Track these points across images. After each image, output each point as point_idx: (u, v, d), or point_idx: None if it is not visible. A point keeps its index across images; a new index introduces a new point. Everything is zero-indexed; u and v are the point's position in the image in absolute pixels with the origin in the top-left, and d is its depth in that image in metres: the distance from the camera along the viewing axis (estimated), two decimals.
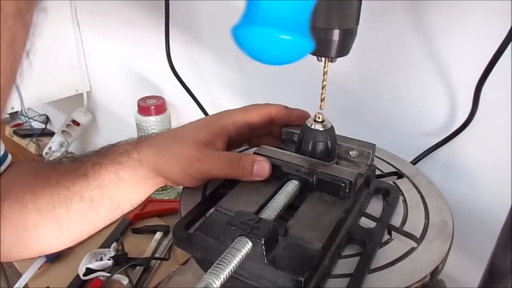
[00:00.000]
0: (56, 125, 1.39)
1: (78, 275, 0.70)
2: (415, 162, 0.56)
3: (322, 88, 0.42)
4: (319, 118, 0.43)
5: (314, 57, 0.40)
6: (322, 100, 0.43)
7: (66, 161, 0.45)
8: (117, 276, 0.69)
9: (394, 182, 0.46)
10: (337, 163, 0.44)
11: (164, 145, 0.42)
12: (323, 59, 0.40)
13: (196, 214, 0.40)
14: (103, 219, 0.43)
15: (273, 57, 0.35)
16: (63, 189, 0.41)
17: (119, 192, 0.41)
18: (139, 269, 0.71)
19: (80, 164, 0.42)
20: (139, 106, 0.89)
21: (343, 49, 0.38)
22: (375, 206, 0.43)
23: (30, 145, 1.30)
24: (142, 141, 0.43)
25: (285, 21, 0.32)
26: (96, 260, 0.72)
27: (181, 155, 0.40)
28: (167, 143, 0.42)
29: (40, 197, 0.41)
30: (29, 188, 0.41)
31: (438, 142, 0.56)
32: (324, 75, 0.41)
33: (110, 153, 0.41)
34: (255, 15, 0.32)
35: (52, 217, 0.41)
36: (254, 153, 0.44)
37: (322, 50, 0.38)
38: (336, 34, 0.37)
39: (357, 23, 0.38)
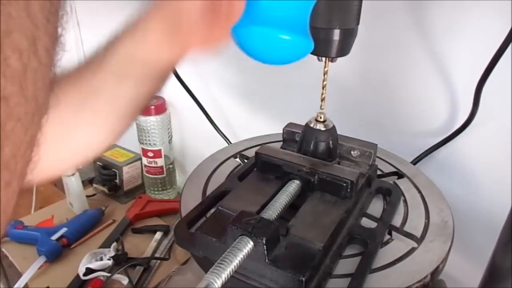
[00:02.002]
0: None
1: (78, 275, 0.69)
2: (415, 162, 0.57)
3: (323, 88, 0.42)
4: (320, 118, 0.43)
5: (314, 57, 0.40)
6: (322, 100, 0.43)
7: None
8: (117, 276, 0.69)
9: (395, 182, 0.46)
10: (338, 163, 0.44)
11: None
12: (323, 58, 0.40)
13: (197, 214, 0.40)
14: (139, 75, 0.38)
15: (273, 57, 0.35)
16: (87, 72, 0.37)
17: (149, 43, 0.37)
18: (139, 269, 0.71)
19: (98, 51, 0.37)
20: None
21: (344, 49, 0.38)
22: (376, 206, 0.43)
23: None
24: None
25: (285, 21, 0.32)
26: (96, 260, 0.72)
27: None
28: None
29: (67, 95, 0.37)
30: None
31: (438, 142, 0.56)
32: (324, 75, 0.41)
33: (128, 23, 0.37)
34: (255, 15, 0.32)
35: (84, 109, 0.38)
36: (256, 152, 0.44)
37: (322, 50, 0.38)
38: (336, 34, 0.37)
39: (358, 23, 0.38)
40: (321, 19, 0.37)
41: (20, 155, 0.18)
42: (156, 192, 0.94)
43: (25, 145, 0.18)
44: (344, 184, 0.38)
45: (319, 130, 0.43)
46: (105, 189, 0.92)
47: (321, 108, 0.43)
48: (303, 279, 0.30)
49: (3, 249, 0.76)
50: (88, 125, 0.39)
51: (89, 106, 0.38)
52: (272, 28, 0.32)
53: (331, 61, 0.40)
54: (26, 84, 0.17)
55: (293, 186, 0.39)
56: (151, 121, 0.88)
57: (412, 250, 0.37)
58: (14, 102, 0.16)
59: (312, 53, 0.39)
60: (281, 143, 0.49)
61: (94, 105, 0.38)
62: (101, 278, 0.70)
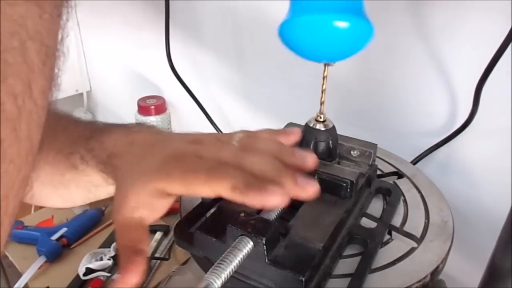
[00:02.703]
0: None
1: (78, 275, 0.70)
2: (415, 162, 0.57)
3: (322, 92, 0.42)
4: (320, 117, 0.43)
5: None
6: (322, 103, 0.43)
7: (65, 127, 0.42)
8: (117, 276, 0.69)
9: (394, 182, 0.46)
10: (338, 163, 0.44)
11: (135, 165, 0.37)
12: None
13: (197, 214, 0.40)
14: (107, 197, 0.42)
15: (329, 51, 0.30)
16: (59, 173, 0.40)
17: (114, 188, 0.40)
18: None
19: (70, 151, 0.40)
20: (139, 106, 0.89)
21: None
22: (375, 206, 0.43)
23: None
24: (121, 149, 0.39)
25: (337, 4, 0.27)
26: (96, 260, 0.72)
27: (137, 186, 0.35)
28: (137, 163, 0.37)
29: (41, 171, 0.40)
30: None
31: (438, 142, 0.56)
32: (323, 79, 0.41)
33: (96, 153, 0.39)
34: (303, 5, 0.28)
35: (55, 193, 0.41)
36: None
37: None
38: None
39: None
40: None
41: (13, 195, 0.18)
42: None
43: (17, 184, 0.18)
44: (344, 184, 0.38)
45: (319, 130, 0.43)
46: None
47: (320, 112, 0.43)
48: (303, 279, 0.30)
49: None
50: (57, 201, 0.42)
51: (60, 194, 0.41)
52: (325, 14, 0.27)
53: (330, 65, 0.40)
54: (20, 126, 0.17)
55: None
56: (151, 121, 0.88)
57: (412, 250, 0.37)
58: (7, 144, 0.17)
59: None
60: None
61: (65, 195, 0.42)
62: (101, 278, 0.70)
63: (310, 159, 0.34)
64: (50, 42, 0.19)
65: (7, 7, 0.16)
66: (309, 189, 0.31)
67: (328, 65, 0.40)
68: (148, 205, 0.34)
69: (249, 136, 0.36)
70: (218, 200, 0.39)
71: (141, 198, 0.33)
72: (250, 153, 0.32)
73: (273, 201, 0.29)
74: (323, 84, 0.41)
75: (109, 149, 0.38)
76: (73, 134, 0.41)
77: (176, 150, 0.35)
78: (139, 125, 0.42)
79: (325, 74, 0.41)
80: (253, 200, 0.29)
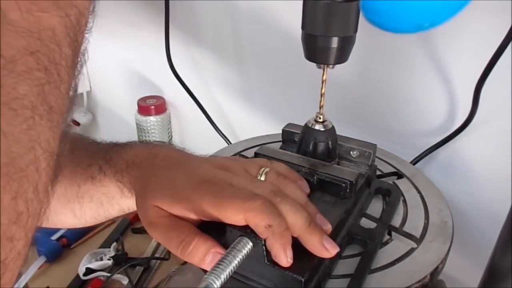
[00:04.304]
0: None
1: (78, 275, 0.70)
2: (415, 162, 0.57)
3: (321, 96, 0.42)
4: (320, 118, 0.43)
5: None
6: (321, 107, 0.43)
7: (83, 142, 0.44)
8: (117, 276, 0.69)
9: (394, 182, 0.46)
10: (338, 163, 0.44)
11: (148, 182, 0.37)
12: (322, 66, 0.40)
13: None
14: (116, 214, 0.43)
15: (418, 18, 0.29)
16: (75, 185, 0.41)
17: (126, 201, 0.41)
18: (139, 269, 0.71)
19: (89, 163, 0.41)
20: (139, 106, 0.89)
21: (342, 56, 0.38)
22: (375, 206, 0.43)
23: None
24: (136, 164, 0.39)
25: None
26: (96, 260, 0.72)
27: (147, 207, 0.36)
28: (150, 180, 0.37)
29: (58, 185, 0.40)
30: None
31: (438, 142, 0.56)
32: (322, 83, 0.41)
33: (114, 162, 0.40)
34: None
35: (68, 208, 0.42)
36: (255, 153, 0.44)
37: (321, 57, 0.38)
38: (335, 42, 0.37)
39: (356, 31, 0.38)
40: (319, 27, 0.37)
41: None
42: None
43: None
44: (344, 185, 0.38)
45: (318, 130, 0.43)
46: None
47: (319, 114, 0.43)
48: (302, 280, 0.30)
49: None
50: (68, 217, 0.43)
51: (72, 209, 0.43)
52: None
53: (330, 67, 0.40)
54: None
55: None
56: (151, 121, 0.88)
57: (412, 250, 0.37)
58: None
59: (311, 60, 0.39)
60: (280, 143, 0.49)
61: (76, 210, 0.43)
62: (101, 278, 0.70)
63: (327, 227, 0.34)
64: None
65: None
66: (332, 252, 0.32)
67: (328, 67, 0.39)
68: (166, 221, 0.34)
69: (278, 174, 0.37)
70: None
71: (162, 213, 0.34)
72: (284, 199, 0.33)
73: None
74: (322, 88, 0.41)
75: (129, 159, 0.39)
76: (93, 148, 0.43)
77: (207, 172, 0.35)
78: (160, 142, 0.43)
79: (324, 78, 0.41)
80: (278, 248, 0.30)
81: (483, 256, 0.34)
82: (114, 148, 0.42)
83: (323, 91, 0.42)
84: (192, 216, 0.34)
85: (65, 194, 0.41)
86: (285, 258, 0.30)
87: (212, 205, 0.32)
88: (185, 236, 0.33)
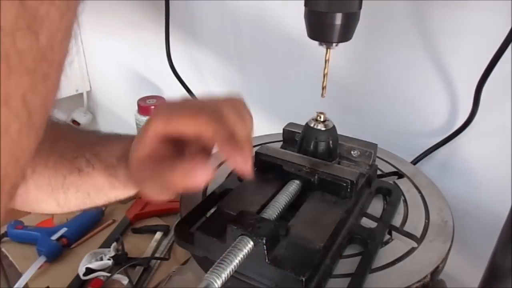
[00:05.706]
0: None
1: (78, 275, 0.69)
2: (415, 162, 0.57)
3: (324, 76, 0.41)
4: (320, 117, 0.43)
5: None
6: (323, 88, 0.42)
7: (66, 133, 0.43)
8: (117, 276, 0.69)
9: (395, 182, 0.46)
10: (338, 163, 0.44)
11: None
12: (324, 44, 0.39)
13: (197, 214, 0.40)
14: (102, 204, 0.43)
15: None
16: (59, 176, 0.41)
17: (115, 192, 0.41)
18: (139, 269, 0.71)
19: (75, 156, 0.41)
20: (139, 106, 0.89)
21: (346, 34, 0.37)
22: (376, 206, 0.43)
23: None
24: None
25: None
26: (96, 260, 0.71)
27: None
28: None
29: (39, 176, 0.41)
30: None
31: (438, 142, 0.56)
32: (326, 62, 0.40)
33: (103, 157, 0.40)
34: None
35: (51, 197, 0.42)
36: (256, 152, 0.44)
37: (324, 35, 0.37)
38: (339, 18, 0.36)
39: (360, 7, 0.37)
40: (322, 2, 0.36)
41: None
42: None
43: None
44: (344, 184, 0.38)
45: (319, 130, 0.43)
46: None
47: (322, 96, 0.42)
48: (303, 279, 0.30)
49: (3, 249, 0.76)
50: (51, 205, 0.43)
51: (55, 198, 0.42)
52: None
53: (333, 47, 0.39)
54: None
55: (293, 186, 0.39)
56: None
57: (412, 250, 0.37)
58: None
59: (314, 38, 0.38)
60: (281, 143, 0.49)
61: (60, 199, 0.43)
62: (101, 278, 0.70)
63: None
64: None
65: None
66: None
67: (330, 48, 0.39)
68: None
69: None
70: (218, 200, 0.39)
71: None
72: (233, 114, 0.32)
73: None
74: (325, 68, 0.40)
75: (118, 153, 0.39)
76: (76, 140, 0.42)
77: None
78: None
79: (327, 58, 0.40)
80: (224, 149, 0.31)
81: (484, 255, 0.34)
82: (100, 141, 0.42)
83: (326, 71, 0.41)
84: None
85: (49, 184, 0.41)
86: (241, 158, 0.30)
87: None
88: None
